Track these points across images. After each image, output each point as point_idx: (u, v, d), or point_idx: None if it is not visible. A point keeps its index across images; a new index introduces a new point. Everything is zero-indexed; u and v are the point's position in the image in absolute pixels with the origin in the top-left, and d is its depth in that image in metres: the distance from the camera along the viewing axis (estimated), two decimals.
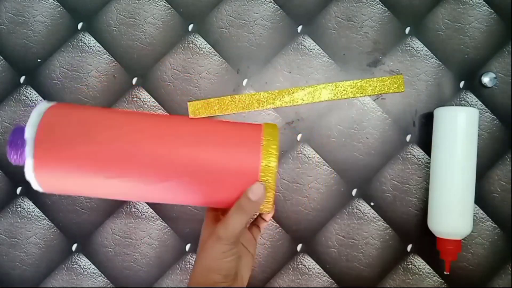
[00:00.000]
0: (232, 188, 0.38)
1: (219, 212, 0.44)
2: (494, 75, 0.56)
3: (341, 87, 0.55)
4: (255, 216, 0.50)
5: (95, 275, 0.55)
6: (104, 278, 0.55)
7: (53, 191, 0.40)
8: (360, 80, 0.55)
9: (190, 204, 0.40)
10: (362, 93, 0.55)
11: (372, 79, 0.55)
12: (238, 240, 0.39)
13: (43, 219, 0.55)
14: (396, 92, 0.55)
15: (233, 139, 0.39)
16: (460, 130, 0.50)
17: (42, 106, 0.39)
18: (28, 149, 0.37)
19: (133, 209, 0.55)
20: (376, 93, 0.55)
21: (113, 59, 0.56)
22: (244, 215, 0.38)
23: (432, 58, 0.56)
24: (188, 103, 0.55)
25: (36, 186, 0.39)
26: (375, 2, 0.57)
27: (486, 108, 0.56)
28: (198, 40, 0.56)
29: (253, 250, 0.47)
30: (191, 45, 0.56)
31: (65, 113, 0.39)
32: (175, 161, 0.38)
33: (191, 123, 0.40)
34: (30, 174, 0.38)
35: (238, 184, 0.38)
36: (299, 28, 0.56)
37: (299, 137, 0.56)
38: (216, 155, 0.38)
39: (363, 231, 0.55)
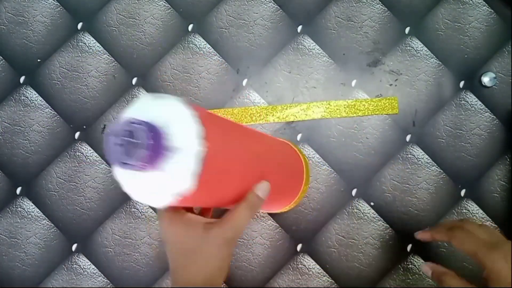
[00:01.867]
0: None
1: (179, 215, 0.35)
2: (494, 75, 0.56)
3: (334, 105, 0.55)
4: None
5: (95, 275, 0.55)
6: (104, 278, 0.55)
7: None
8: (354, 100, 0.55)
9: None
10: (355, 113, 0.55)
11: (366, 99, 0.55)
12: None
13: (43, 219, 0.55)
14: (390, 113, 0.55)
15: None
16: None
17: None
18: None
19: (133, 209, 0.55)
20: (369, 113, 0.55)
21: (113, 59, 0.56)
22: (252, 212, 0.35)
23: (432, 58, 0.56)
24: None
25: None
26: (375, 2, 0.57)
27: (486, 108, 0.56)
28: (198, 40, 0.56)
29: None
30: (191, 45, 0.56)
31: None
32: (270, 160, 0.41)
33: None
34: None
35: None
36: (299, 28, 0.56)
37: (299, 137, 0.56)
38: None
39: (363, 231, 0.55)
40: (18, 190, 0.56)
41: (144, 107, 0.28)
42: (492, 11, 0.57)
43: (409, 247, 0.55)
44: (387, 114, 0.56)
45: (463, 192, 0.55)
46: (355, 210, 0.55)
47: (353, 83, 0.56)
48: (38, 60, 0.56)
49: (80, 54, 0.56)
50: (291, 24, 0.56)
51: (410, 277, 0.55)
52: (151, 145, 0.26)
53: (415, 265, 0.55)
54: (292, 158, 0.48)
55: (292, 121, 0.55)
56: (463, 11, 0.57)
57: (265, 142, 0.42)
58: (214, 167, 0.29)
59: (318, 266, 0.54)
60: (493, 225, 0.55)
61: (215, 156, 0.29)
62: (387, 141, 0.56)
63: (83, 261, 0.55)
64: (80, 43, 0.56)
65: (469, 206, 0.55)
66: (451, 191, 0.55)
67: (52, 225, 0.55)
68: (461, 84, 0.56)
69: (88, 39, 0.57)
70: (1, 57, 0.56)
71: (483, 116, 0.56)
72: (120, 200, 0.55)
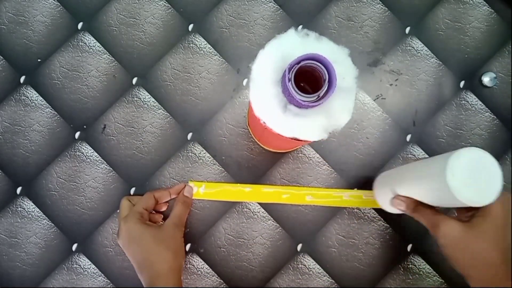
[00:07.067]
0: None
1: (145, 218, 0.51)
2: (494, 75, 0.56)
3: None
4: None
5: (95, 275, 0.55)
6: (104, 278, 0.55)
7: None
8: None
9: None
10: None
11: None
12: None
13: (43, 219, 0.55)
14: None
15: None
16: None
17: None
18: None
19: None
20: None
21: (113, 59, 0.56)
22: (185, 206, 0.52)
23: (432, 58, 0.56)
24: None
25: None
26: (375, 1, 0.57)
27: (486, 108, 0.56)
28: (198, 40, 0.56)
29: None
30: (191, 45, 0.56)
31: None
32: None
33: None
34: None
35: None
36: (299, 28, 0.56)
37: None
38: None
39: (363, 231, 0.55)
40: (18, 190, 0.56)
41: (305, 45, 0.33)
42: (493, 11, 0.57)
43: (409, 247, 0.55)
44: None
45: None
46: (356, 210, 0.55)
47: None
48: (38, 60, 0.56)
49: (80, 54, 0.56)
50: (291, 24, 0.56)
51: (410, 277, 0.55)
52: (326, 80, 0.29)
53: (415, 265, 0.55)
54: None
55: None
56: (463, 11, 0.57)
57: None
58: None
59: (318, 266, 0.55)
60: None
61: None
62: (387, 141, 0.56)
63: (83, 261, 0.55)
64: (81, 43, 0.56)
65: None
66: None
67: (52, 225, 0.55)
68: (462, 84, 0.56)
69: (89, 39, 0.57)
70: (1, 57, 0.56)
71: (483, 116, 0.56)
72: (119, 200, 0.55)
